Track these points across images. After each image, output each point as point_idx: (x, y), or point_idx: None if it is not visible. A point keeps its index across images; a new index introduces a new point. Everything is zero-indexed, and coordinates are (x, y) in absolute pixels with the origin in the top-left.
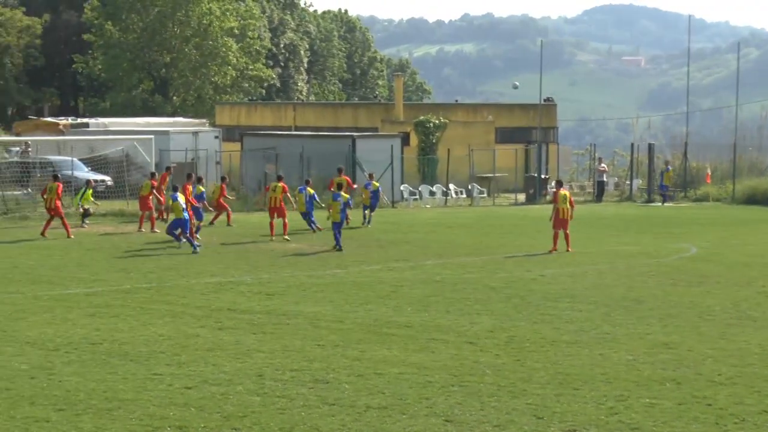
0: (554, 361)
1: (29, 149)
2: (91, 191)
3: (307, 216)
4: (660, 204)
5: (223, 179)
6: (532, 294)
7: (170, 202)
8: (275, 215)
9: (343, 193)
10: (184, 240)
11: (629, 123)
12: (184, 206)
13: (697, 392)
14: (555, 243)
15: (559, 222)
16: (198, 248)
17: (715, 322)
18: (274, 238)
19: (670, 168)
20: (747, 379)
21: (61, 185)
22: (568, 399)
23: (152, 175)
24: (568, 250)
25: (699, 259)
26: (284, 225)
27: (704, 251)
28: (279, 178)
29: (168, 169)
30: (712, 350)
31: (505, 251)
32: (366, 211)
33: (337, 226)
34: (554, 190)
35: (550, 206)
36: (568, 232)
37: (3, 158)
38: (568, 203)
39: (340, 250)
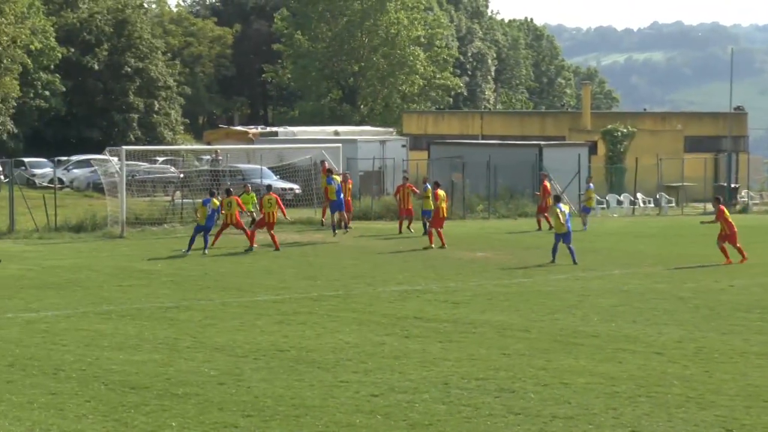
0: (743, 372)
1: (220, 158)
2: (251, 196)
3: (202, 230)
4: None
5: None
6: (721, 304)
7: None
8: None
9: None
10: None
11: None
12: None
13: None
14: (727, 255)
15: (723, 237)
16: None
17: None
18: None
19: None
20: None
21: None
22: (757, 411)
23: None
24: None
25: None
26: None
27: None
28: (268, 188)
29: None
30: None
31: (694, 261)
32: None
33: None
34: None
35: (739, 216)
36: (738, 245)
37: (194, 166)
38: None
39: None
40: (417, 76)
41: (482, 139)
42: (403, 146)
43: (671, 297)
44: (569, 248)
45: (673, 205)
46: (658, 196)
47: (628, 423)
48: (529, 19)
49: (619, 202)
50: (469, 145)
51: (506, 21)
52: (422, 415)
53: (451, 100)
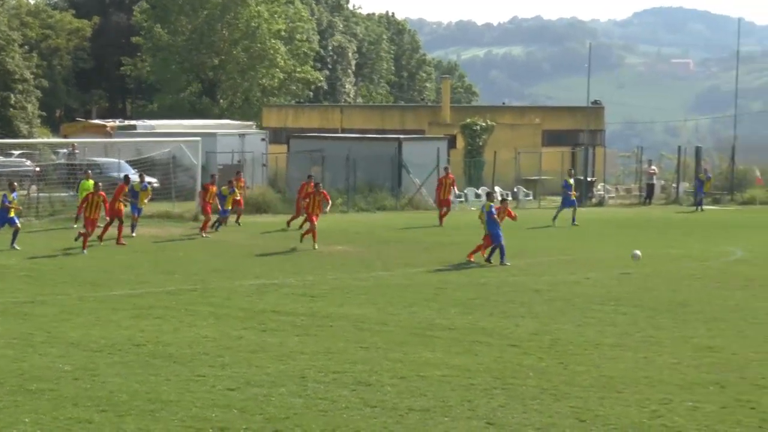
0: (597, 364)
1: (76, 151)
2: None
3: None
4: (698, 210)
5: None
6: (576, 297)
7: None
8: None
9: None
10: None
11: (677, 126)
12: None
13: (740, 396)
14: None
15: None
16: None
17: (761, 325)
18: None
19: (710, 176)
20: None
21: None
22: (611, 402)
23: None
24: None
25: (745, 263)
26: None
27: (750, 254)
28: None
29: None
30: (756, 354)
31: (550, 254)
32: None
33: None
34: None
35: (595, 209)
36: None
37: (50, 160)
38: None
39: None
40: (277, 70)
41: (342, 132)
42: (263, 140)
43: (527, 290)
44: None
45: (531, 198)
46: (515, 190)
47: (483, 415)
48: (390, 14)
49: (478, 196)
50: (328, 138)
51: (367, 15)
52: (278, 408)
53: (311, 93)
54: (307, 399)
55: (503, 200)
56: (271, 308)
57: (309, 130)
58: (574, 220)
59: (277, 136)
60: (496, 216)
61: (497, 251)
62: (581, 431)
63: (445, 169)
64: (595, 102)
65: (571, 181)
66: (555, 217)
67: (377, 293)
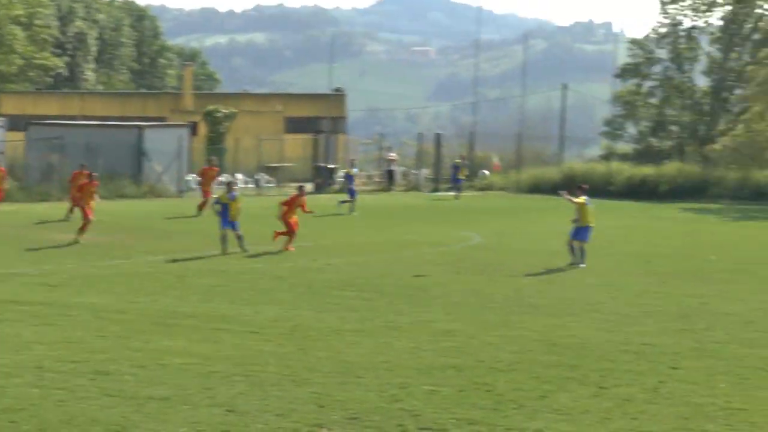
0: (338, 349)
1: None
2: None
3: None
4: (454, 198)
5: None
6: (317, 283)
7: None
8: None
9: None
10: None
11: (417, 113)
12: None
13: (477, 378)
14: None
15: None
16: None
17: (497, 309)
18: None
19: (467, 163)
20: (526, 365)
21: None
22: (350, 387)
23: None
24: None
25: (483, 248)
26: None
27: (488, 240)
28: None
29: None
30: (493, 337)
31: (293, 241)
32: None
33: None
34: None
35: (338, 196)
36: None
37: None
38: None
39: None
40: (16, 56)
41: (83, 120)
42: (0, 127)
43: (269, 276)
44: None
45: (273, 185)
46: (257, 177)
47: (223, 402)
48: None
49: (219, 183)
50: (68, 126)
51: (108, 1)
52: (15, 399)
53: (51, 80)
54: (44, 389)
55: (301, 188)
56: (8, 298)
57: (49, 118)
58: (343, 203)
59: (15, 123)
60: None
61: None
62: (321, 416)
63: (209, 161)
64: (337, 89)
65: (353, 171)
66: (351, 209)
67: (117, 282)
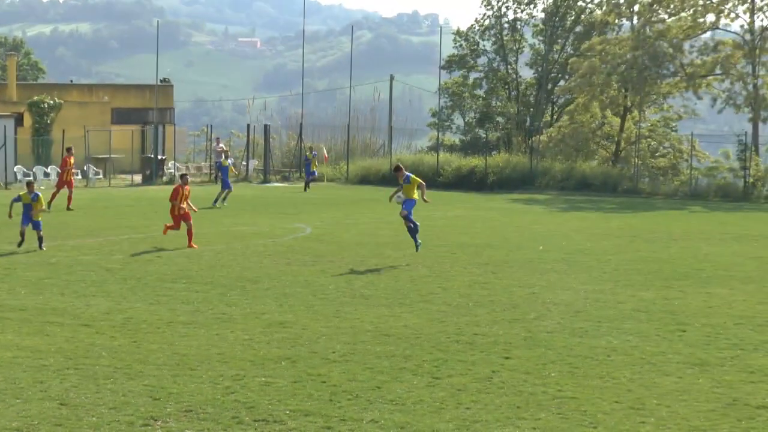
0: (171, 342)
1: None
2: None
3: None
4: (306, 189)
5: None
6: (149, 275)
7: None
8: None
9: None
10: None
11: (245, 104)
12: None
13: (311, 370)
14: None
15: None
16: None
17: (329, 300)
18: None
19: (315, 153)
20: (360, 356)
21: None
22: (184, 379)
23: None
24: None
25: (314, 239)
26: None
27: (319, 231)
28: None
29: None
30: (326, 328)
31: (121, 232)
32: None
33: None
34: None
35: (167, 187)
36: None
37: None
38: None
39: None
40: None
41: None
42: None
43: (99, 269)
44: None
45: (101, 176)
46: (85, 168)
47: (56, 396)
48: None
49: (47, 174)
50: None
51: None
52: None
53: None
54: None
55: (183, 176)
56: None
57: None
58: (217, 201)
59: None
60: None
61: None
62: (155, 409)
63: (68, 149)
64: (164, 80)
65: (228, 162)
66: (223, 199)
67: None
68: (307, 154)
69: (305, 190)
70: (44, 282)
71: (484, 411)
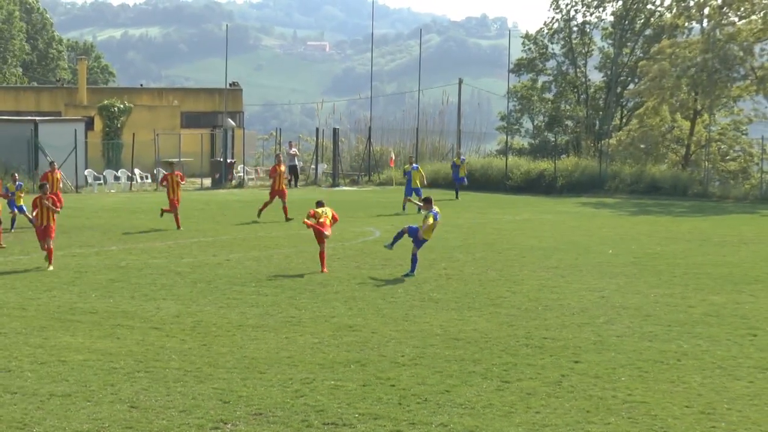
0: (240, 345)
1: None
2: None
3: None
4: (456, 197)
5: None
6: (218, 278)
7: None
8: None
9: None
10: None
11: (314, 108)
12: None
13: (380, 373)
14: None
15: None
16: None
17: (398, 304)
18: None
19: (464, 159)
20: (429, 359)
21: None
22: (254, 383)
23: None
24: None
25: (383, 242)
26: None
27: (388, 234)
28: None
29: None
30: (395, 332)
31: (191, 236)
32: None
33: None
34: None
35: (236, 191)
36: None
37: None
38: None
39: None
40: None
41: None
42: None
43: (169, 272)
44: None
45: None
46: (155, 172)
47: (126, 398)
48: None
49: (117, 178)
50: None
51: None
52: None
53: None
54: None
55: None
56: None
57: None
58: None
59: None
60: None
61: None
62: (225, 412)
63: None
64: (234, 84)
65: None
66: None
67: (16, 278)
68: (456, 159)
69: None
70: (114, 285)
71: (554, 415)
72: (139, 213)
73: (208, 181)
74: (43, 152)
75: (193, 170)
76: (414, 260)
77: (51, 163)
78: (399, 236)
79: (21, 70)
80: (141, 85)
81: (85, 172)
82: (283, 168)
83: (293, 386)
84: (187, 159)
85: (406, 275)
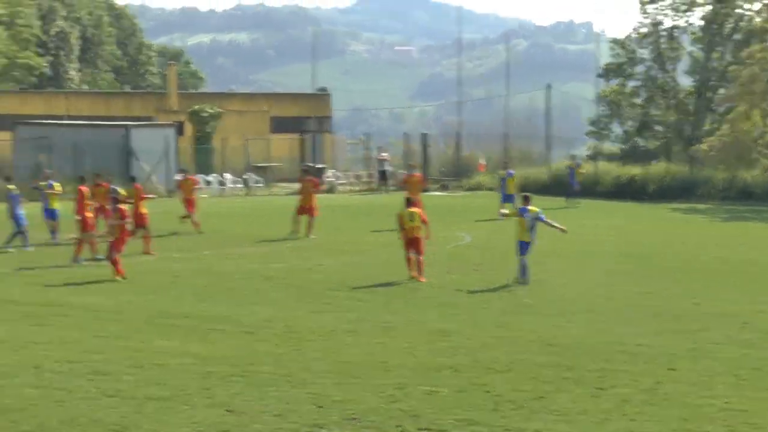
0: (333, 350)
1: None
2: None
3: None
4: (576, 202)
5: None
6: (310, 283)
7: None
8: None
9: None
10: None
11: (402, 113)
12: None
13: (475, 379)
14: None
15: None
16: None
17: (492, 309)
18: None
19: (580, 162)
20: (523, 365)
21: None
22: (348, 387)
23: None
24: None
25: (474, 248)
26: None
27: (478, 240)
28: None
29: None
30: (488, 337)
31: (283, 241)
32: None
33: None
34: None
35: (327, 196)
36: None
37: None
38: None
39: None
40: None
41: (68, 119)
42: None
43: (261, 277)
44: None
45: (261, 185)
46: (246, 176)
47: (222, 402)
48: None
49: (208, 183)
50: (55, 125)
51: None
52: (14, 399)
53: (36, 80)
54: (43, 389)
55: (182, 171)
56: (4, 298)
57: (34, 117)
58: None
59: (1, 123)
60: None
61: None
62: (319, 416)
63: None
64: (322, 89)
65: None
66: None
67: (112, 282)
68: (570, 163)
69: (573, 203)
70: (208, 290)
71: (650, 423)
72: (232, 217)
73: (298, 186)
74: (135, 157)
75: (284, 175)
76: (523, 267)
77: (182, 171)
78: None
79: (113, 75)
80: (231, 90)
81: (177, 177)
82: (416, 176)
83: (387, 391)
84: (277, 164)
85: (518, 282)
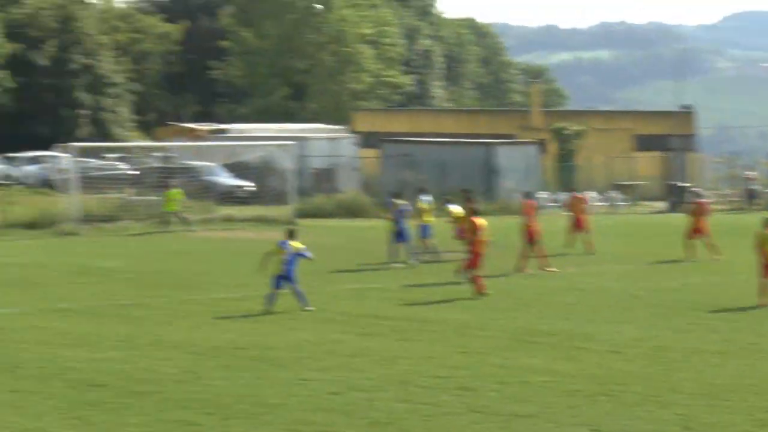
0: (701, 371)
1: (174, 154)
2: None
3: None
4: None
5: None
6: (676, 303)
7: None
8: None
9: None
10: None
11: None
12: None
13: None
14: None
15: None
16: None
17: None
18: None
19: None
20: None
21: None
22: (718, 410)
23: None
24: None
25: None
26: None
27: None
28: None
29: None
30: None
31: (648, 259)
32: None
33: None
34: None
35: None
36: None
37: (145, 163)
38: None
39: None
40: (365, 74)
41: (433, 137)
42: (354, 144)
43: (627, 295)
44: None
45: (626, 203)
46: (609, 195)
47: (588, 421)
48: (471, 18)
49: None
50: (420, 143)
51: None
52: (382, 413)
53: (401, 97)
54: (409, 404)
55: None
56: (371, 312)
57: (399, 135)
58: None
59: (367, 140)
60: None
61: None
62: None
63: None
64: (686, 107)
65: None
66: None
67: (476, 298)
68: None
69: None
70: (572, 307)
71: None
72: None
73: (662, 205)
74: (499, 175)
75: (648, 193)
76: None
77: (526, 194)
78: None
79: (476, 93)
80: (594, 108)
81: (541, 194)
82: None
83: (757, 415)
84: (642, 182)
85: None
